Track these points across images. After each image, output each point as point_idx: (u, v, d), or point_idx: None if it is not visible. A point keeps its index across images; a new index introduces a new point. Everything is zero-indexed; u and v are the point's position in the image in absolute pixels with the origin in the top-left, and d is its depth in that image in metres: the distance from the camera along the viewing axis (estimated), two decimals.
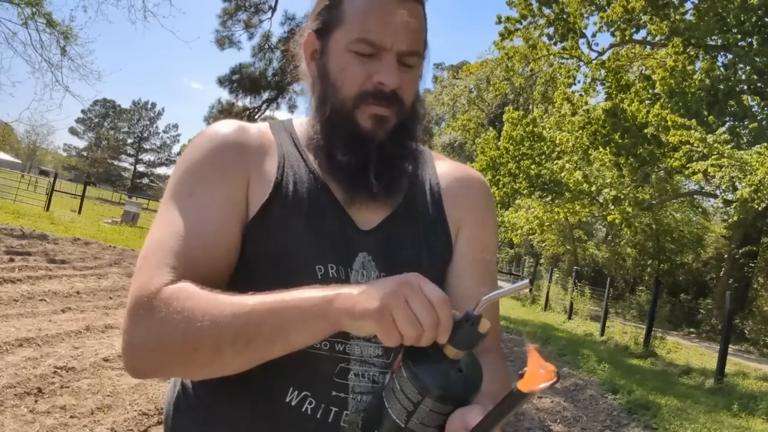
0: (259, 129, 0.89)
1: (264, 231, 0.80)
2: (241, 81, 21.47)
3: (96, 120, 78.50)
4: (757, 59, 12.23)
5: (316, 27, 0.86)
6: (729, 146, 9.92)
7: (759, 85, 13.11)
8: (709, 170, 9.95)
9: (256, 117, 22.89)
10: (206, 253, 0.76)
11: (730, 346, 9.14)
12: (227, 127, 0.86)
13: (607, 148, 13.51)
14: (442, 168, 0.97)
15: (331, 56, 0.83)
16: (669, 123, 10.94)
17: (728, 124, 12.41)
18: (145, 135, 78.17)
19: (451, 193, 0.93)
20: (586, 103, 14.62)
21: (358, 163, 0.81)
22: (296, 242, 0.80)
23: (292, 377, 0.78)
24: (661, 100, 12.54)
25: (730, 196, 10.88)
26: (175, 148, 76.96)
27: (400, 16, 0.80)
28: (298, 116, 0.97)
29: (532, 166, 13.66)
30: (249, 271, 0.80)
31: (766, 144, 9.64)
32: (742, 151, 9.78)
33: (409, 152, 0.87)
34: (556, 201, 13.87)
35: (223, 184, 0.80)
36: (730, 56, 13.39)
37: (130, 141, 78.48)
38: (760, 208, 9.40)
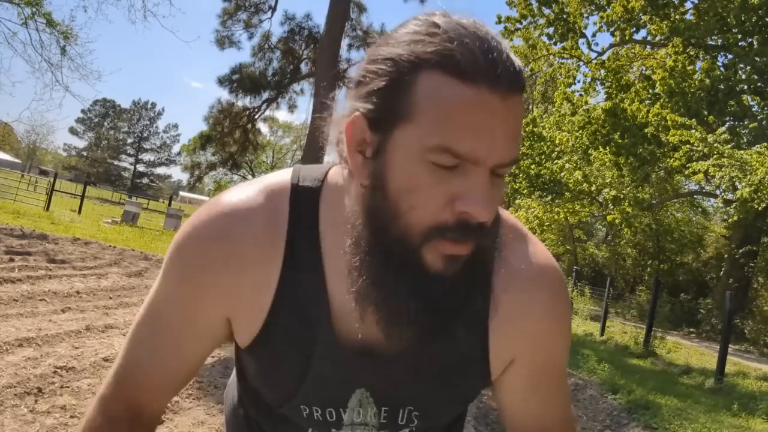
0: (263, 226, 0.68)
1: (252, 362, 0.76)
2: (241, 81, 21.46)
3: (96, 120, 78.46)
4: (757, 59, 12.24)
5: (368, 113, 0.59)
6: (729, 146, 9.92)
7: (759, 85, 13.11)
8: (709, 170, 9.96)
9: (255, 116, 22.92)
10: (162, 379, 0.77)
11: (730, 346, 9.14)
12: (218, 231, 0.68)
13: (607, 148, 13.52)
14: (501, 282, 0.71)
15: (394, 162, 0.58)
16: (669, 123, 10.95)
17: (728, 124, 12.42)
18: (145, 135, 78.14)
19: (504, 320, 0.72)
20: (586, 102, 14.64)
21: (411, 310, 0.60)
22: (283, 385, 0.74)
23: None
24: (661, 100, 12.56)
25: (730, 196, 10.89)
26: (175, 148, 77.04)
27: (501, 118, 0.55)
28: (332, 169, 0.73)
29: (532, 166, 13.67)
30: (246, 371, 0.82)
31: (766, 144, 9.65)
32: (742, 151, 9.79)
33: (478, 290, 0.65)
34: (556, 201, 13.88)
35: (198, 317, 0.72)
36: (730, 56, 13.40)
37: (130, 141, 78.45)
38: (760, 208, 9.41)
